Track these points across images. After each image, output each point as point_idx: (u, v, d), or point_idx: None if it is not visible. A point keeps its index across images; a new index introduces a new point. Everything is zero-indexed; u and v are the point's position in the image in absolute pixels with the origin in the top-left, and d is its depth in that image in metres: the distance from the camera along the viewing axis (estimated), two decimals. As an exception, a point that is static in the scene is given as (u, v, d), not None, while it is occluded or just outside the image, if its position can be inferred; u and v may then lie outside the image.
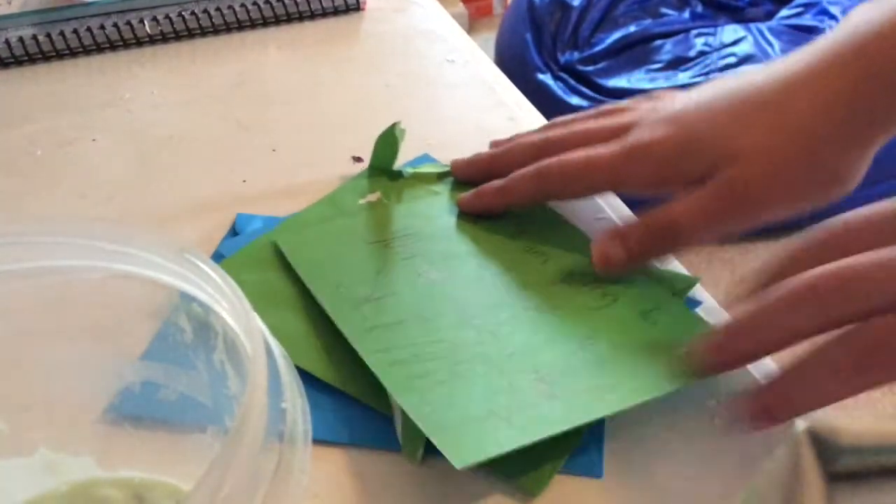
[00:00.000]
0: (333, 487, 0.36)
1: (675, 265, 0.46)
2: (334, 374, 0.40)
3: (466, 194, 0.49)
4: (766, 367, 0.41)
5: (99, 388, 0.33)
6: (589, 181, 0.46)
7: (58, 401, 0.33)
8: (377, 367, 0.38)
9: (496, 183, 0.48)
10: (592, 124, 0.48)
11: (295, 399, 0.25)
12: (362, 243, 0.47)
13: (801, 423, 0.37)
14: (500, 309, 0.42)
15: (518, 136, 0.53)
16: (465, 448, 0.34)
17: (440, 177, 0.52)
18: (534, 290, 0.43)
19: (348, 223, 0.48)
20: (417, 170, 0.52)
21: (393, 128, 0.52)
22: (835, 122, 0.36)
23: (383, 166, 0.53)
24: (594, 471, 0.36)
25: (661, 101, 0.47)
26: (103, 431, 0.34)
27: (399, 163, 0.53)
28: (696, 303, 0.44)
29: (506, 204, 0.48)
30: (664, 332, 0.40)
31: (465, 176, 0.51)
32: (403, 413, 0.36)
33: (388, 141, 0.52)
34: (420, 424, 0.35)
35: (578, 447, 0.37)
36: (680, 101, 0.45)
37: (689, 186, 0.43)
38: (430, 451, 0.35)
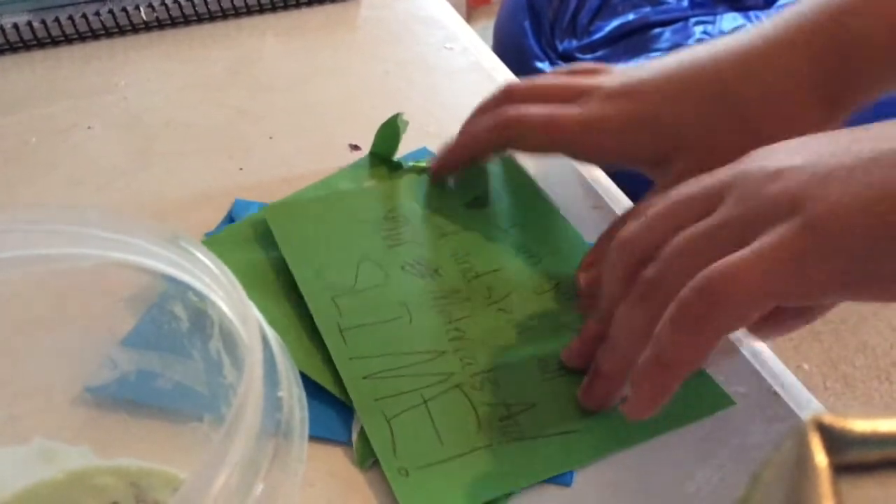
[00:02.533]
0: (328, 476, 0.36)
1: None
2: (306, 362, 0.39)
3: (434, 159, 0.50)
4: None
5: (95, 377, 0.33)
6: (546, 140, 0.46)
7: (54, 389, 0.33)
8: (348, 378, 0.38)
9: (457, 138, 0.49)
10: (554, 81, 0.48)
11: (291, 388, 0.25)
12: (352, 222, 0.46)
13: (807, 414, 0.36)
14: (480, 321, 0.42)
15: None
16: (423, 500, 0.34)
17: None
18: (520, 299, 0.43)
19: (341, 200, 0.48)
20: (417, 163, 0.52)
21: (395, 118, 0.52)
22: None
23: (383, 156, 0.52)
24: (563, 478, 0.36)
25: (624, 68, 0.47)
26: (100, 420, 0.34)
27: (399, 154, 0.52)
28: None
29: (468, 156, 0.49)
30: None
31: (441, 165, 0.51)
32: (362, 426, 0.36)
33: (390, 131, 0.52)
34: (381, 459, 0.35)
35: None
36: (643, 72, 0.45)
37: (646, 165, 0.44)
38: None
